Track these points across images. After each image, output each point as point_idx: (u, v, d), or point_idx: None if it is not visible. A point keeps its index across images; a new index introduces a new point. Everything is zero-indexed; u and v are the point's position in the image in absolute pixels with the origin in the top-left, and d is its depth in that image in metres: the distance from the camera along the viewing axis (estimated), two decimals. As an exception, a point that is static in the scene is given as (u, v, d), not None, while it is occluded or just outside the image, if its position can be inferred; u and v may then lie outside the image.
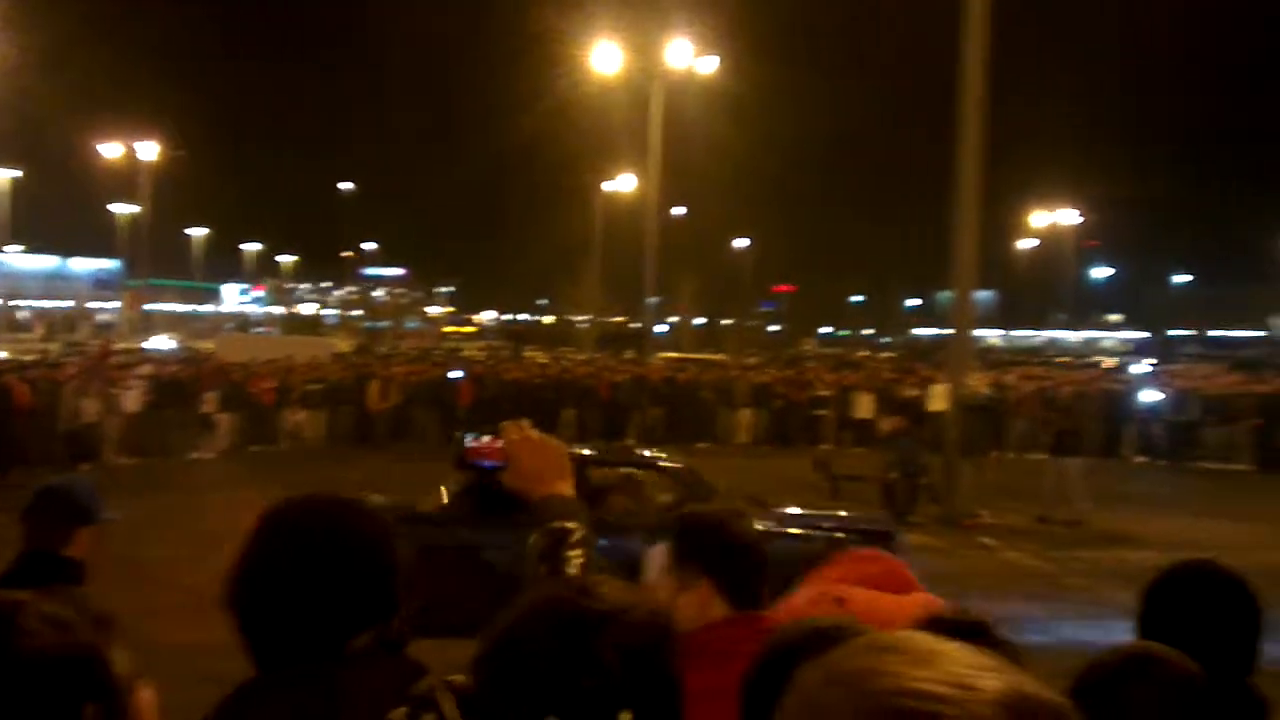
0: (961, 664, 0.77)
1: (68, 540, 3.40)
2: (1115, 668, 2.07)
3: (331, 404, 25.44)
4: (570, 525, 2.09)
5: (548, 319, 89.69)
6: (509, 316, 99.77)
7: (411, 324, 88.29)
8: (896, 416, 16.38)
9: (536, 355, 44.52)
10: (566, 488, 2.23)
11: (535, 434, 2.32)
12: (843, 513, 10.85)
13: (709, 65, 36.83)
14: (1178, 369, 32.82)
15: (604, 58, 36.55)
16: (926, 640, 0.80)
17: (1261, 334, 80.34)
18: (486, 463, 2.34)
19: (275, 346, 32.57)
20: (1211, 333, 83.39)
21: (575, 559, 2.02)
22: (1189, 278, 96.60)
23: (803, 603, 2.58)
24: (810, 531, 9.52)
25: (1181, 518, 16.14)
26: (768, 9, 69.48)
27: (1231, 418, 23.38)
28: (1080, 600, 10.88)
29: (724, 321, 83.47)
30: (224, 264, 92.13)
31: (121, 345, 40.38)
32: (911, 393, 24.75)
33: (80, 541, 3.42)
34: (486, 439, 2.36)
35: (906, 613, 2.27)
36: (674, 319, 73.24)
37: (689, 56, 35.90)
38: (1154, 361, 41.13)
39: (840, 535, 9.15)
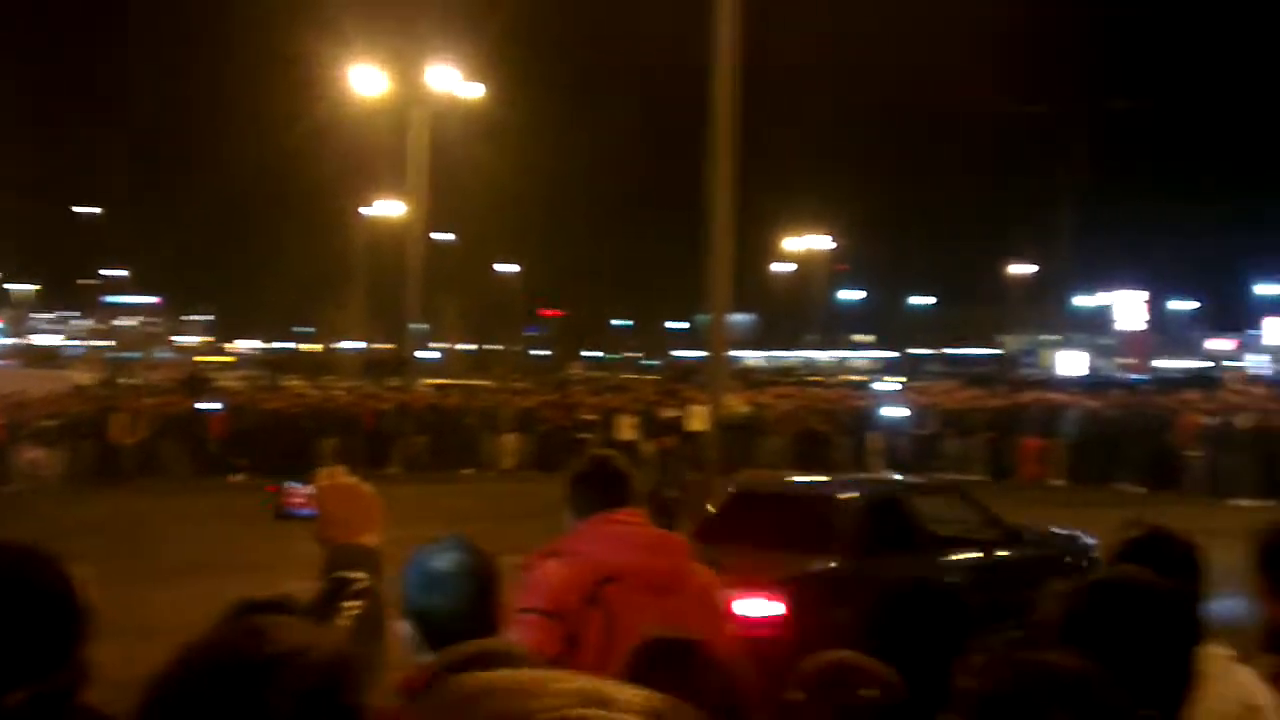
0: (591, 684, 0.81)
1: None
2: (813, 680, 2.16)
3: (71, 439, 23.97)
4: (354, 576, 2.03)
5: (311, 347, 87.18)
6: (269, 345, 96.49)
7: (163, 354, 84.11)
8: (665, 438, 16.70)
9: (297, 384, 43.21)
10: (371, 537, 2.17)
11: (347, 480, 2.26)
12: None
13: (474, 91, 36.80)
14: (920, 385, 34.79)
15: (364, 81, 35.97)
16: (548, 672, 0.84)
17: (995, 352, 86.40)
18: (304, 511, 2.28)
19: (6, 380, 30.47)
20: (951, 351, 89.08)
21: (349, 610, 1.96)
22: (930, 300, 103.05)
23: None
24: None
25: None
26: (531, 37, 69.93)
27: (968, 431, 24.95)
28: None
29: (492, 347, 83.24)
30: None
31: None
32: (671, 413, 25.32)
33: None
34: (304, 487, 2.31)
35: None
36: (441, 345, 72.55)
37: (452, 81, 35.77)
38: (900, 379, 43.50)
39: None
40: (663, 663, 2.26)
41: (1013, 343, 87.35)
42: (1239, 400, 22.83)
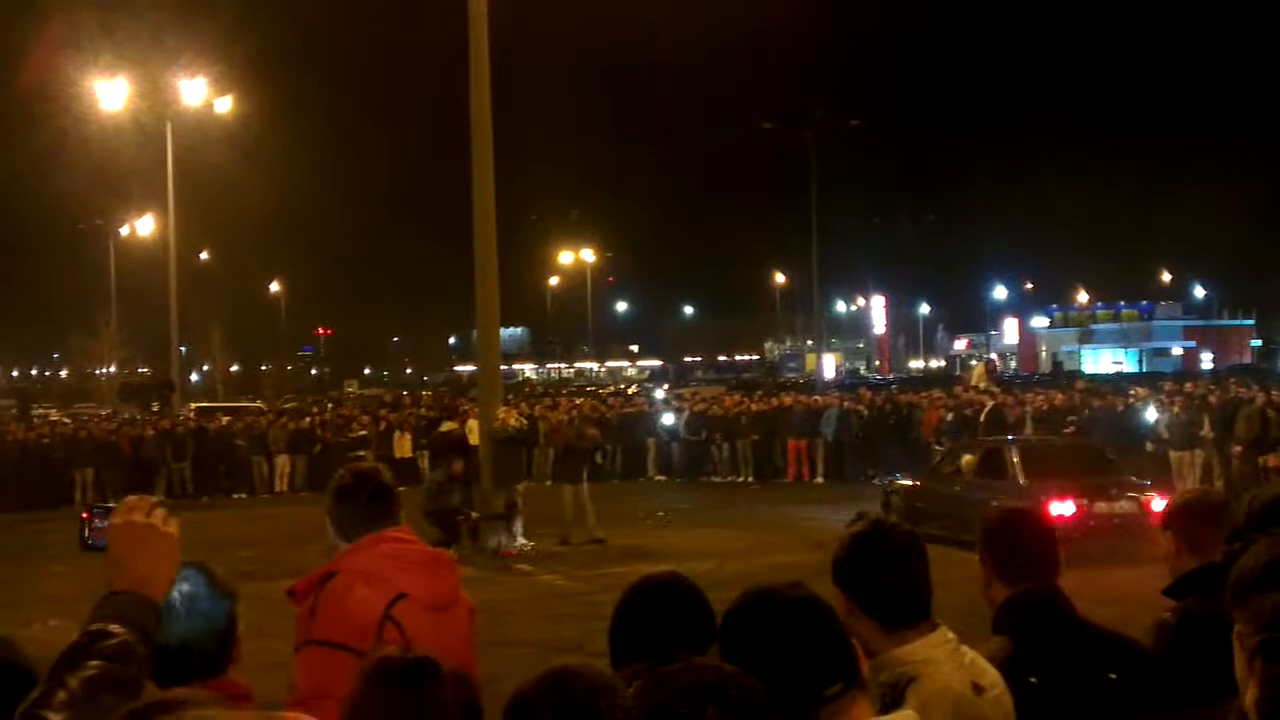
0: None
1: None
2: (536, 688, 2.15)
3: None
4: (112, 629, 1.82)
5: (63, 373, 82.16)
6: (17, 373, 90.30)
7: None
8: (453, 458, 16.58)
9: (49, 413, 40.81)
10: (152, 587, 1.94)
11: (145, 519, 2.00)
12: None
13: (223, 105, 35.73)
14: (688, 392, 35.84)
15: (110, 94, 34.43)
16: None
17: (757, 358, 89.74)
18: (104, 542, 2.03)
19: None
20: (719, 358, 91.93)
21: (90, 670, 1.76)
22: (694, 310, 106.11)
23: None
24: None
25: (694, 530, 17.78)
26: (285, 52, 68.27)
27: (735, 435, 25.96)
28: (610, 615, 11.74)
29: (262, 367, 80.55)
30: None
31: None
32: (449, 426, 25.24)
33: None
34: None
35: None
36: (206, 367, 69.73)
37: (203, 95, 34.66)
38: (668, 386, 44.63)
39: None
40: (402, 681, 2.26)
41: (775, 349, 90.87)
42: (978, 396, 24.60)
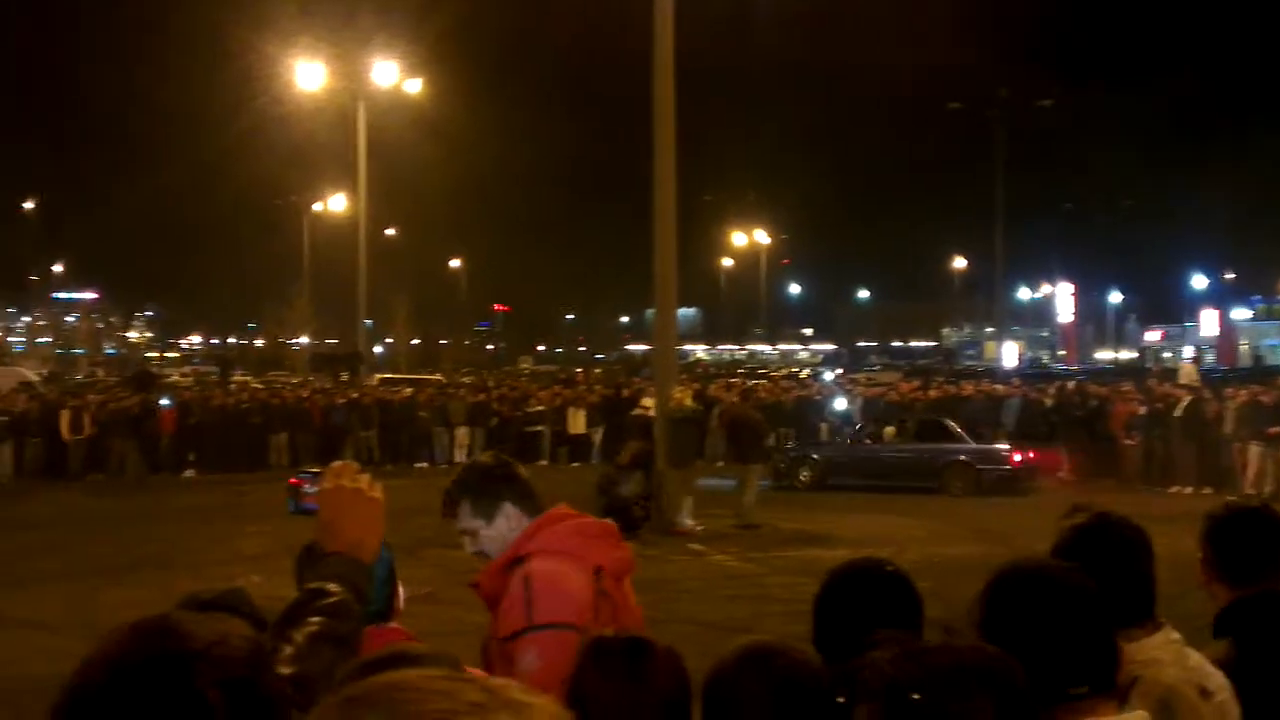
0: (505, 688, 0.85)
1: None
2: (736, 664, 2.14)
3: (18, 436, 23.81)
4: (330, 588, 1.92)
5: (259, 342, 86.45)
6: (217, 341, 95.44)
7: (110, 350, 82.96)
8: (640, 441, 16.77)
9: (247, 380, 42.96)
10: (365, 551, 2.04)
11: (354, 483, 2.08)
12: None
13: (414, 87, 36.80)
14: (861, 377, 35.30)
15: (307, 76, 35.85)
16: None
17: (934, 344, 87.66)
18: (315, 506, 2.13)
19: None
20: (894, 343, 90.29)
21: (311, 625, 1.85)
22: (869, 294, 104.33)
23: None
24: None
25: (870, 516, 17.52)
26: (471, 34, 69.80)
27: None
28: (783, 598, 11.70)
29: (441, 341, 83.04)
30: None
31: None
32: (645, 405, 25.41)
33: None
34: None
35: None
36: (390, 340, 72.24)
37: (394, 77, 35.75)
38: (842, 371, 44.06)
39: None
40: (621, 660, 2.27)
41: (952, 335, 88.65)
42: (1174, 390, 23.48)
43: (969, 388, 27.13)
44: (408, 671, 0.90)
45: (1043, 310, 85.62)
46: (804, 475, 21.54)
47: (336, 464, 2.16)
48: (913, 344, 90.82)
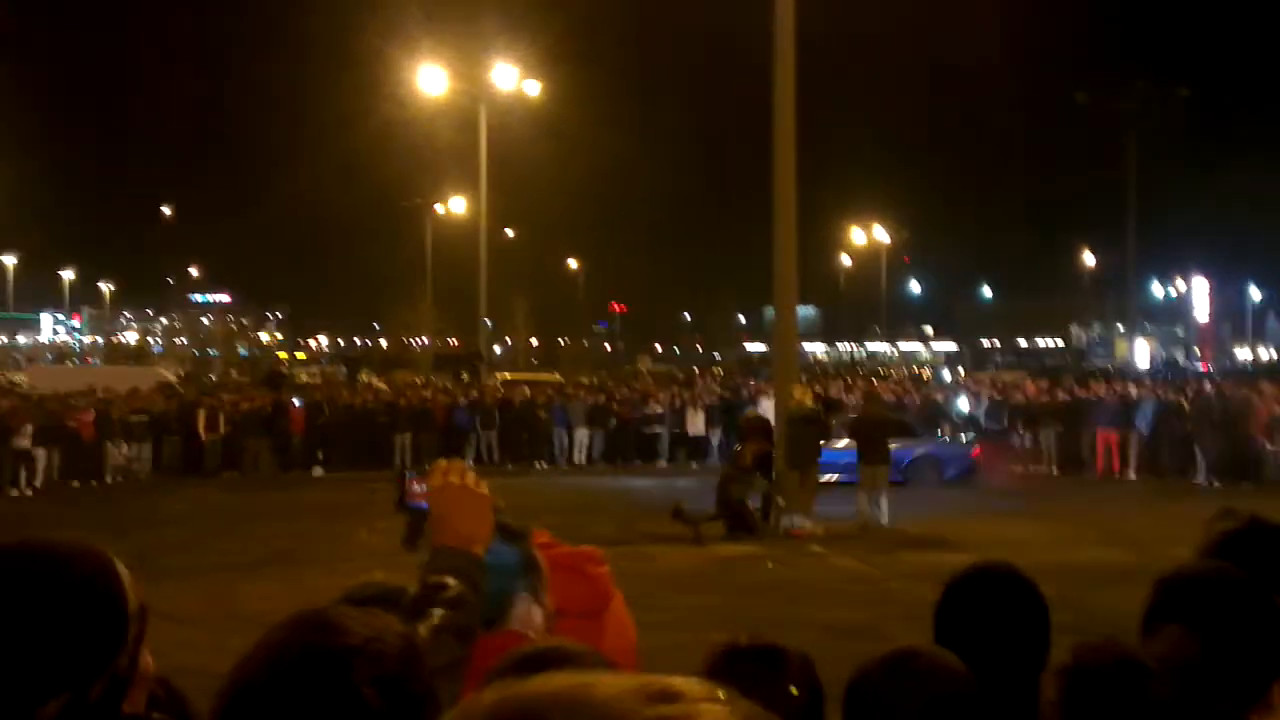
0: (652, 680, 0.81)
1: None
2: (881, 670, 2.12)
3: (156, 435, 24.73)
4: (449, 581, 1.99)
5: (383, 342, 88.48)
6: (342, 341, 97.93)
7: (243, 352, 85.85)
8: (759, 442, 16.66)
9: (372, 380, 43.94)
10: (478, 545, 2.11)
11: (461, 479, 2.16)
12: None
13: (533, 89, 37.20)
14: (985, 377, 34.51)
15: (429, 80, 36.51)
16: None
17: (1062, 343, 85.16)
18: (424, 504, 2.21)
19: (92, 376, 31.38)
20: (1020, 342, 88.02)
21: (435, 618, 1.93)
22: (993, 291, 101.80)
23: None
24: None
25: (997, 519, 17.11)
26: (589, 35, 70.37)
27: (1037, 424, 24.80)
28: (905, 601, 11.50)
29: (560, 341, 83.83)
30: (40, 292, 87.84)
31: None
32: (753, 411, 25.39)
33: None
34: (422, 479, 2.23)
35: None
36: (509, 340, 73.21)
37: (514, 80, 36.18)
38: (964, 370, 43.16)
39: None
40: (751, 666, 2.25)
41: (1081, 334, 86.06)
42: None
43: (1099, 387, 26.31)
44: (579, 677, 0.82)
45: (1177, 308, 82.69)
46: None
47: (443, 461, 2.23)
48: (1039, 343, 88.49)
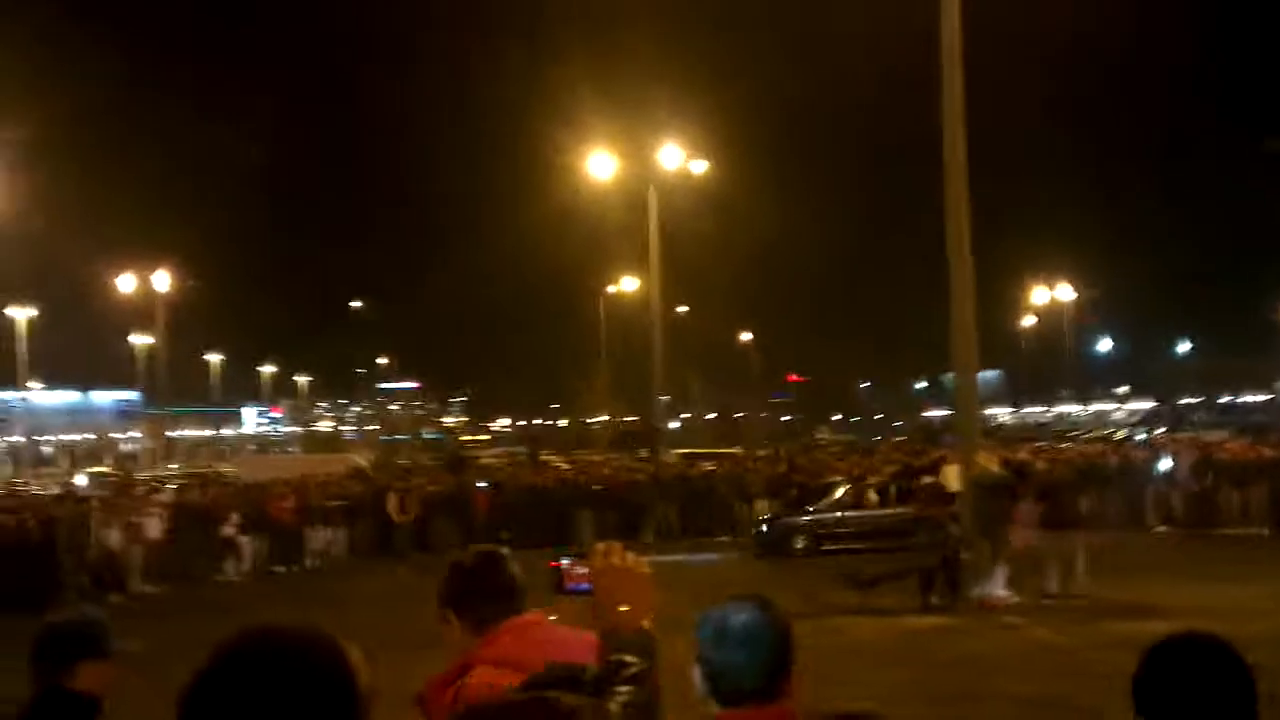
0: None
1: (73, 675, 3.23)
2: None
3: (351, 519, 25.64)
4: (628, 659, 2.07)
5: (562, 422, 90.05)
6: (523, 422, 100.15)
7: (430, 435, 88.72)
8: (936, 509, 16.39)
9: (553, 459, 44.74)
10: (646, 620, 2.18)
11: (622, 559, 2.26)
12: None
13: (699, 167, 37.67)
14: (1185, 437, 32.85)
15: (599, 164, 37.41)
16: None
17: (1268, 398, 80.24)
18: (583, 587, 2.30)
19: (293, 465, 32.89)
20: (1220, 399, 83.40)
21: (622, 695, 2.00)
22: (1189, 346, 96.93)
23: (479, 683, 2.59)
24: None
25: (1205, 585, 16.18)
26: (756, 108, 70.99)
27: (1244, 483, 23.46)
28: (1104, 673, 10.97)
29: (737, 415, 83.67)
30: (242, 387, 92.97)
31: (145, 474, 40.75)
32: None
33: (87, 676, 3.25)
34: (583, 562, 2.33)
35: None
36: (685, 415, 73.53)
37: (680, 159, 36.74)
38: (1163, 430, 41.21)
39: None
40: None
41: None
42: None
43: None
44: None
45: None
46: (799, 544, 22.36)
47: (599, 545, 2.33)
48: (1243, 399, 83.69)
